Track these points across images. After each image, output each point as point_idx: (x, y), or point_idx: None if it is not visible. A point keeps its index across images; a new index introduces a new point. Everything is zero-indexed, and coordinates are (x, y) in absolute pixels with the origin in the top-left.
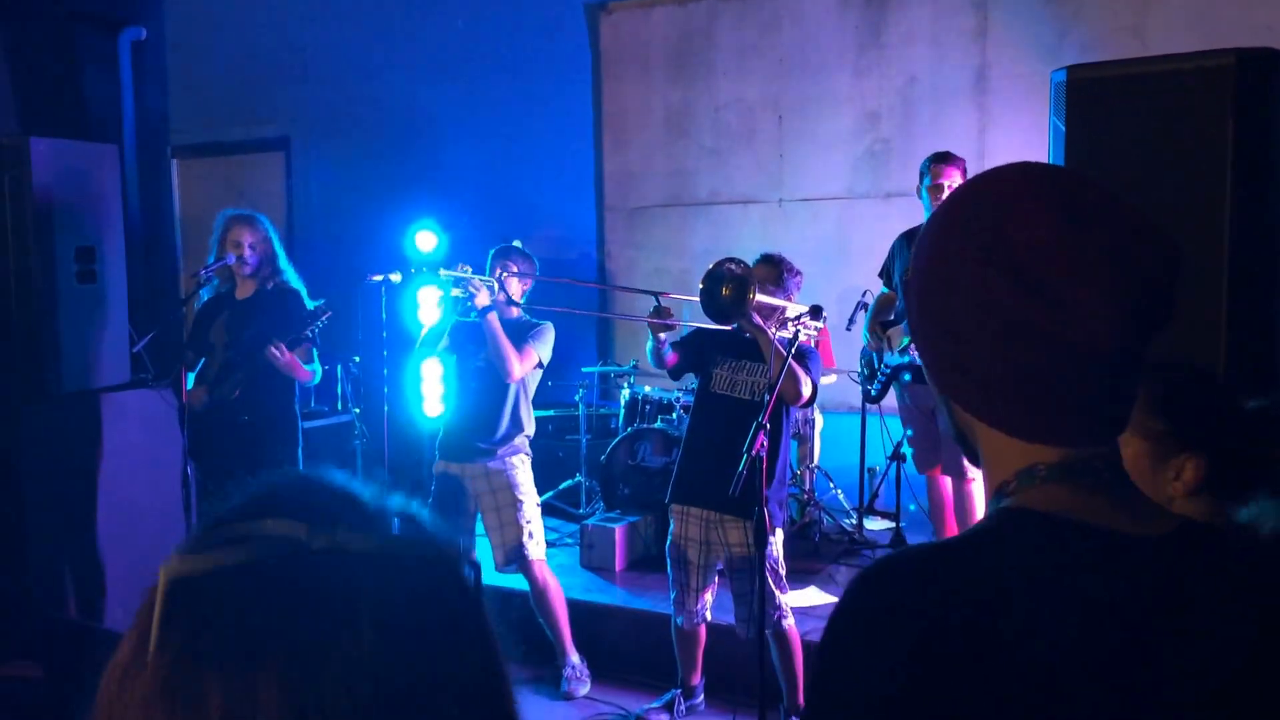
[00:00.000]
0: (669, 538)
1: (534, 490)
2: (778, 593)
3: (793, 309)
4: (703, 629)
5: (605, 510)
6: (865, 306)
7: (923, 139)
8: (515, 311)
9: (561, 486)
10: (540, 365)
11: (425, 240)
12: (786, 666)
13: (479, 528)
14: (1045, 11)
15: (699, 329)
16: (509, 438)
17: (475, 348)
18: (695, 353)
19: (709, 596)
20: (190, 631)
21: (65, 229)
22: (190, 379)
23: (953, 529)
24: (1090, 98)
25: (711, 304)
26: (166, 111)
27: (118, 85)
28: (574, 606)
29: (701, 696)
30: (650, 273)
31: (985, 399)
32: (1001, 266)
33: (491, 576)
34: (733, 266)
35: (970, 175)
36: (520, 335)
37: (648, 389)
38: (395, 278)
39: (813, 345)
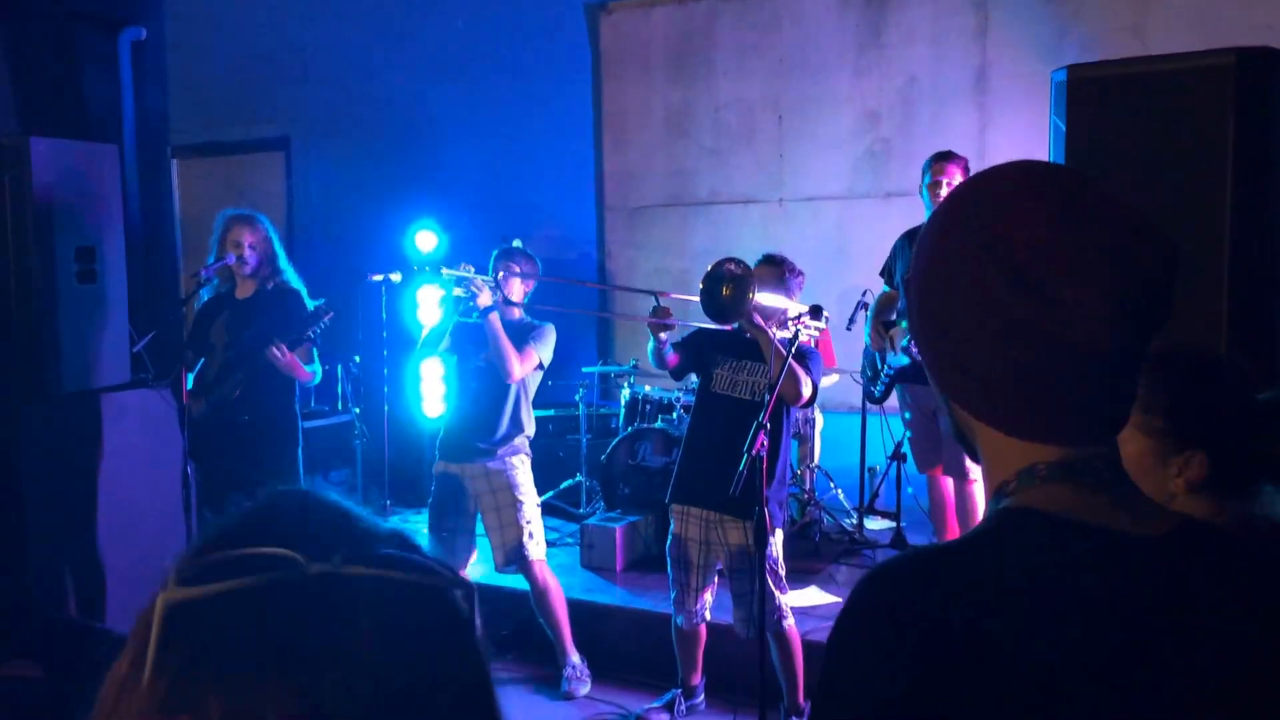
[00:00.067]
0: (669, 538)
1: (534, 490)
2: (777, 593)
3: (793, 309)
4: (703, 629)
5: (605, 510)
6: (865, 306)
7: (923, 139)
8: (517, 312)
9: (562, 486)
10: (541, 366)
11: (425, 240)
12: (786, 667)
13: (479, 528)
14: (1045, 11)
15: (700, 329)
16: (509, 438)
17: (476, 348)
18: (696, 353)
19: (709, 596)
20: (188, 657)
21: (65, 229)
22: (190, 379)
23: (954, 529)
24: (1090, 97)
25: (711, 304)
26: (166, 111)
27: (118, 85)
28: (574, 606)
29: (702, 696)
30: (650, 273)
31: (985, 398)
32: (1001, 266)
33: (492, 577)
34: (732, 267)
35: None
36: (522, 336)
37: (648, 389)
38: (395, 277)
39: (813, 345)
